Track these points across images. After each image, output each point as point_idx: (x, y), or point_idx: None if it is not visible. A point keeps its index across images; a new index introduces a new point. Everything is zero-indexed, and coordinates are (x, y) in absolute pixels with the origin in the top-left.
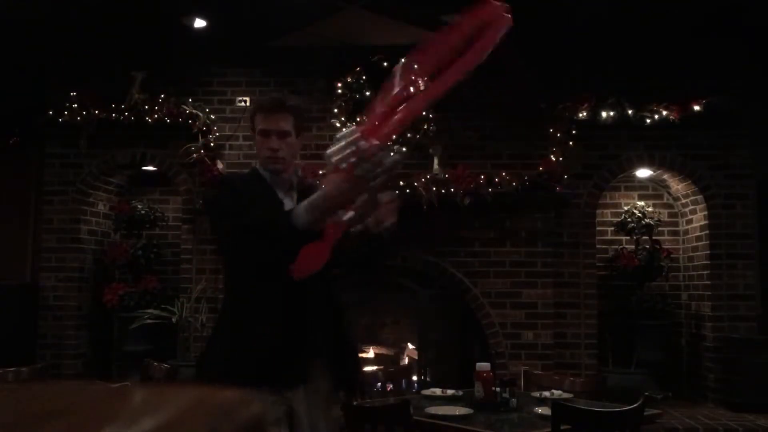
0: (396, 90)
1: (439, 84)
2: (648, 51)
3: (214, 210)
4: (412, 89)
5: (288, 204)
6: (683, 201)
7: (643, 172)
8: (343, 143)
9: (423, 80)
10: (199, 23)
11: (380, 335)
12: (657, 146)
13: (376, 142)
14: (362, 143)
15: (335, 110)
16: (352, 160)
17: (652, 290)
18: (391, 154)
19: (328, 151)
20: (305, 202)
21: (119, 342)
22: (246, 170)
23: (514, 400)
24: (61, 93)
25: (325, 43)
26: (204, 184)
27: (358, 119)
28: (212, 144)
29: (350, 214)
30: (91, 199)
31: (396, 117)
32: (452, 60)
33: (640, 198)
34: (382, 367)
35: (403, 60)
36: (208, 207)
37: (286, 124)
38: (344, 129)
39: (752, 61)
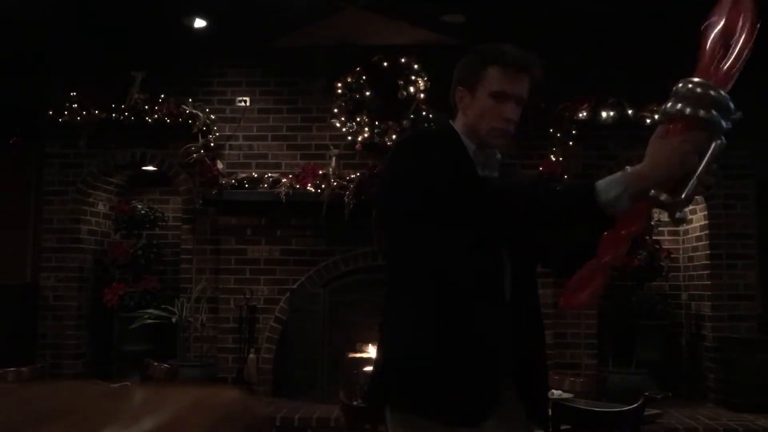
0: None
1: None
2: (648, 51)
3: (427, 175)
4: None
5: None
6: None
7: None
8: (686, 91)
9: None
10: (199, 23)
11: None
12: None
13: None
14: (714, 91)
15: (335, 110)
16: (701, 112)
17: (652, 290)
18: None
19: (666, 107)
20: (616, 176)
21: (119, 342)
22: (436, 128)
23: None
24: (61, 93)
25: (325, 43)
26: (203, 184)
27: None
28: (212, 144)
29: (664, 195)
30: (91, 199)
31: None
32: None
33: None
34: None
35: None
36: (412, 170)
37: (526, 89)
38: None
39: (752, 61)
